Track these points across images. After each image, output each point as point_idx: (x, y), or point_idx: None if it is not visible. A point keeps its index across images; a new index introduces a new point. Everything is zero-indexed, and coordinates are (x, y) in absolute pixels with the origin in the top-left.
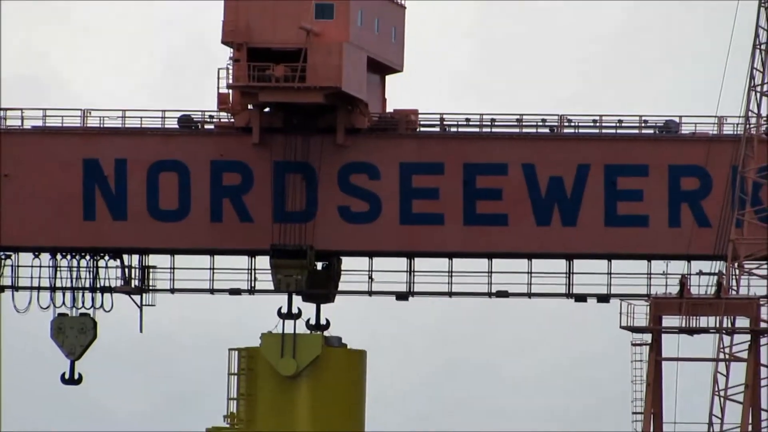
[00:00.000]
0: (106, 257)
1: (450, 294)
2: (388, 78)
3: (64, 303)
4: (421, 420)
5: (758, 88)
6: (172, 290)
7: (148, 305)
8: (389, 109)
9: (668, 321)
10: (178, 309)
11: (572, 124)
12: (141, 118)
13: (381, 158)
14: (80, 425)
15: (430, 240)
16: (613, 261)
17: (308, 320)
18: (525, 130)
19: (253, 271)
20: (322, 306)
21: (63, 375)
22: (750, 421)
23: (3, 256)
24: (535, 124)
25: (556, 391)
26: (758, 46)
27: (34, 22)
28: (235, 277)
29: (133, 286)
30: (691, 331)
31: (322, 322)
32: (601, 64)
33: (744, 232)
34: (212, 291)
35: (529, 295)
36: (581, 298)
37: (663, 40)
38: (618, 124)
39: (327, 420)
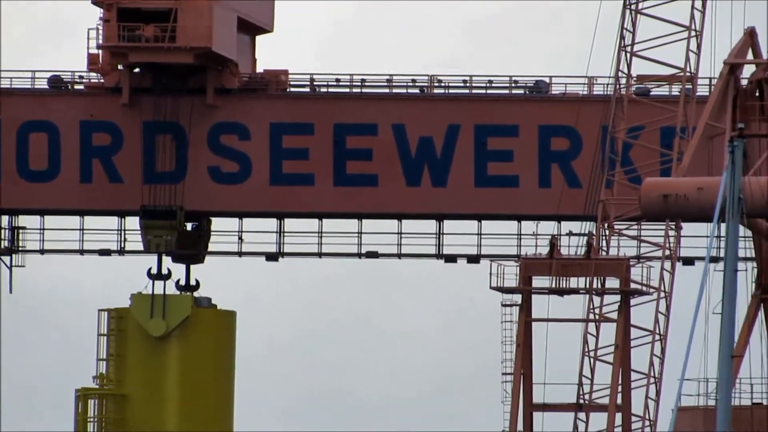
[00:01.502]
0: None
1: (320, 255)
2: (258, 38)
3: None
4: (291, 380)
5: (628, 49)
6: (42, 251)
7: (18, 266)
8: (259, 69)
9: (538, 282)
10: (48, 270)
11: (442, 84)
12: (11, 78)
13: (251, 118)
14: None
15: (300, 200)
16: (483, 221)
17: (178, 281)
18: (395, 90)
19: (123, 232)
20: (192, 267)
21: None
22: (620, 382)
23: None
24: (405, 84)
25: (427, 352)
26: (628, 6)
27: None
28: (105, 237)
29: (2, 246)
30: (561, 292)
31: (192, 282)
32: (471, 25)
33: (614, 193)
34: (82, 252)
35: (399, 255)
36: (451, 258)
37: (532, 1)
38: (488, 85)
39: (196, 380)
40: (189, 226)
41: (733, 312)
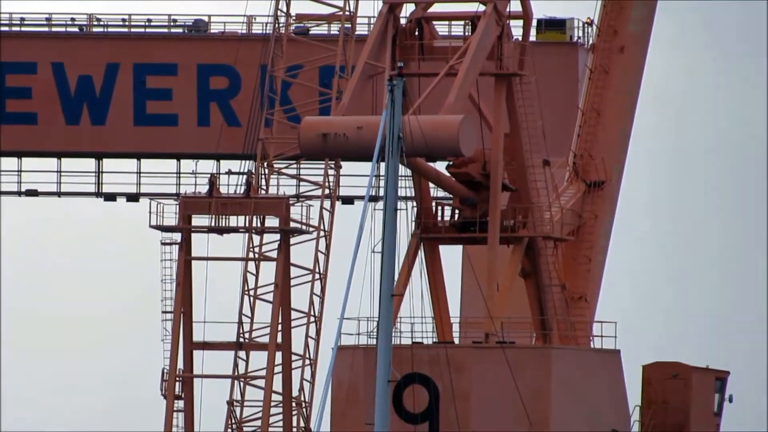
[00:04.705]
0: None
1: None
2: None
3: None
4: None
5: None
6: None
7: None
8: None
9: (198, 220)
10: None
11: (101, 23)
12: None
13: None
14: None
15: None
16: (142, 160)
17: None
18: (54, 29)
19: None
20: None
21: None
22: (280, 320)
23: None
24: (64, 23)
25: (89, 291)
26: None
27: None
28: None
29: None
30: (220, 231)
31: None
32: None
33: (273, 132)
34: None
35: (59, 194)
36: (111, 197)
37: None
38: (147, 24)
39: None
40: None
41: (393, 251)
